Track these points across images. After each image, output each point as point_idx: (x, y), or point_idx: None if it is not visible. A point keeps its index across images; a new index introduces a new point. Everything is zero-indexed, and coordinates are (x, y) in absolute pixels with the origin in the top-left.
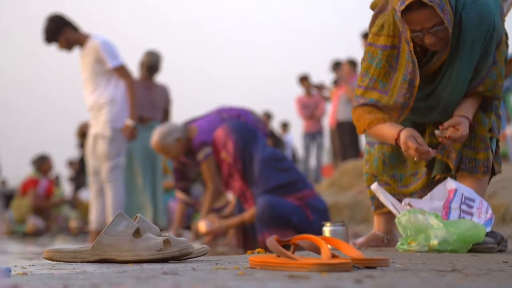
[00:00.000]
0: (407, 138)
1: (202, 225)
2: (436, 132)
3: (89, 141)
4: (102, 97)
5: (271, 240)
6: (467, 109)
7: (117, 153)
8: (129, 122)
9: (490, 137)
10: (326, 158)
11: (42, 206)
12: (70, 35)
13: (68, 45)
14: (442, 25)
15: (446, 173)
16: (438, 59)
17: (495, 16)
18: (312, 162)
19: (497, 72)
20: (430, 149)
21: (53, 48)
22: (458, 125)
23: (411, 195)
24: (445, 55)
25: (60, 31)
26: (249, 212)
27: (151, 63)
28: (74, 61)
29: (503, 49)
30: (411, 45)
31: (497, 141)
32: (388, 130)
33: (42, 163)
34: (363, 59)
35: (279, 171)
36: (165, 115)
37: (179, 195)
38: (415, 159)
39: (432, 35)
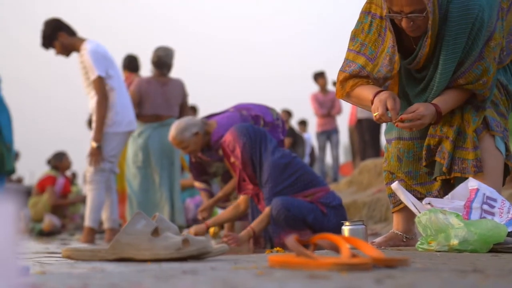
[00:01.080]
0: (386, 97)
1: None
2: (393, 120)
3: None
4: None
5: (290, 239)
6: (441, 99)
7: (103, 157)
8: (93, 144)
9: (493, 136)
10: (343, 157)
11: (60, 204)
12: (64, 40)
13: (64, 51)
14: (422, 13)
15: (444, 175)
16: (422, 53)
17: (484, 11)
18: (329, 161)
19: (483, 67)
20: (393, 119)
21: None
22: (416, 109)
23: (426, 194)
24: (427, 48)
25: (55, 36)
26: (256, 222)
27: (161, 59)
28: None
29: (494, 45)
30: (384, 22)
31: (503, 139)
32: (367, 91)
33: (60, 161)
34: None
35: (287, 176)
36: (182, 110)
37: (198, 184)
38: (376, 117)
39: (409, 20)
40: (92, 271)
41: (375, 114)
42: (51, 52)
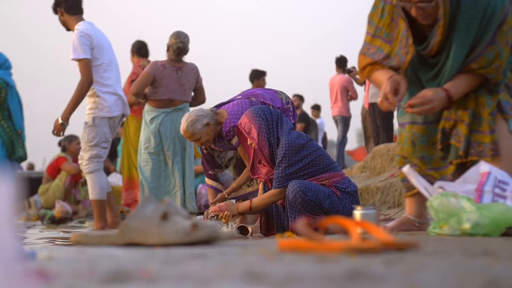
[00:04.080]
0: (389, 80)
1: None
2: (402, 104)
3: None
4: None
5: (300, 223)
6: (452, 83)
7: (96, 143)
8: (59, 119)
9: (506, 119)
10: (357, 142)
11: (78, 177)
12: (62, 17)
13: (63, 25)
14: (430, 3)
15: (460, 158)
16: (434, 41)
17: None
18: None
19: (495, 51)
20: (395, 102)
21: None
22: (425, 94)
23: (440, 178)
24: (439, 37)
25: (56, 10)
26: (256, 201)
27: (184, 45)
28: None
29: (506, 29)
30: (395, 9)
31: None
32: (382, 75)
33: (69, 142)
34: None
35: (301, 157)
36: (196, 94)
37: (209, 181)
38: (379, 101)
39: (419, 9)
40: (100, 256)
41: (378, 101)
42: (63, 43)
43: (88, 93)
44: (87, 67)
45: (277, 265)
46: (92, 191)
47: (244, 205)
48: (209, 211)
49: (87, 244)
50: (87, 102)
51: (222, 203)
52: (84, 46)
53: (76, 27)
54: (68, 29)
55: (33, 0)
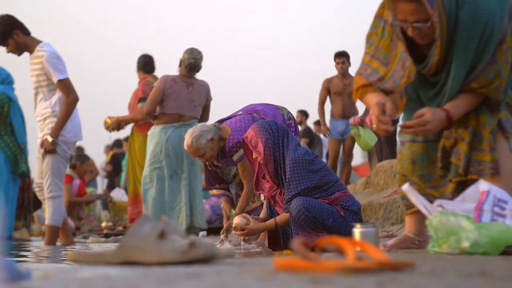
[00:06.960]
0: (376, 104)
1: (237, 220)
2: (399, 125)
3: (36, 152)
4: (47, 109)
5: (296, 243)
6: (453, 103)
7: (59, 168)
8: (48, 138)
9: (507, 138)
10: (360, 158)
11: (74, 201)
12: (19, 39)
13: (17, 50)
14: (426, 23)
15: (460, 176)
16: (432, 61)
17: (495, 15)
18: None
19: (495, 70)
20: (389, 127)
21: (97, 49)
22: (423, 114)
23: (439, 197)
24: (437, 56)
25: (10, 34)
26: (281, 217)
27: (196, 62)
28: (108, 59)
29: (506, 48)
30: (397, 28)
31: None
32: (372, 99)
33: (81, 162)
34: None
35: (311, 172)
36: (204, 112)
37: (215, 191)
38: (374, 127)
39: (415, 29)
40: (95, 275)
41: (372, 127)
42: (66, 58)
43: (46, 115)
44: (71, 85)
45: (271, 285)
46: (51, 217)
47: (268, 224)
48: (237, 234)
49: (84, 262)
50: (41, 127)
51: (249, 227)
52: (62, 66)
53: (41, 49)
54: (21, 53)
55: (35, 16)
